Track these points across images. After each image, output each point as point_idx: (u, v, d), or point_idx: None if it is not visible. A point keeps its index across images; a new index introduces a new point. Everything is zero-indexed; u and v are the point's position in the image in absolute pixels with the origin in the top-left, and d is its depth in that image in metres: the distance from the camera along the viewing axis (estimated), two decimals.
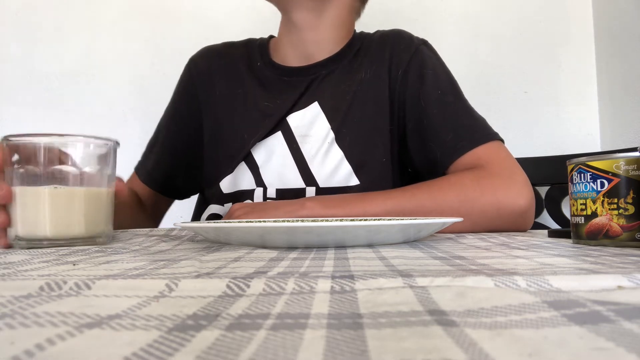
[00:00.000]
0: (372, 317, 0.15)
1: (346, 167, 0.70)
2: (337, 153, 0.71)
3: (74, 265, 0.28)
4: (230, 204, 0.74)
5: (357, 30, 0.83)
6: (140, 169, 0.82)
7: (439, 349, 0.12)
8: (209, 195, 0.79)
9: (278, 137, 0.73)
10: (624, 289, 0.19)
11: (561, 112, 1.27)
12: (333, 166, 0.70)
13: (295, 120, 0.73)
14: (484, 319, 0.14)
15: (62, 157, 0.41)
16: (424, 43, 0.77)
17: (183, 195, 0.88)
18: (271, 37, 0.84)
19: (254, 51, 0.81)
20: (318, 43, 0.76)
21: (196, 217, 0.84)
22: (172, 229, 0.59)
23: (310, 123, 0.73)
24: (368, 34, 0.81)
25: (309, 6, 0.73)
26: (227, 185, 0.74)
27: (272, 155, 0.72)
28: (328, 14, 0.75)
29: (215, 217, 0.76)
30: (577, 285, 0.19)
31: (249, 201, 0.72)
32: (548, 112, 1.27)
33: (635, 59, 1.11)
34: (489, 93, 1.28)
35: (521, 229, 0.62)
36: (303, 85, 0.75)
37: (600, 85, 1.26)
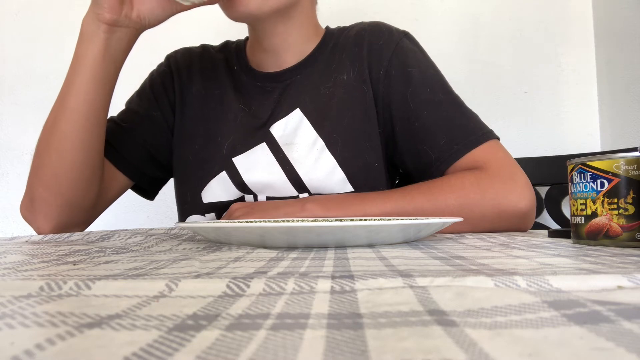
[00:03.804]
0: (372, 317, 0.15)
1: (339, 175, 0.68)
2: (329, 160, 0.68)
3: (74, 265, 0.28)
4: (213, 214, 0.72)
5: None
6: (117, 157, 0.73)
7: (439, 349, 0.12)
8: (189, 205, 0.75)
9: (263, 147, 0.70)
10: (624, 289, 0.19)
11: (561, 112, 1.27)
12: (325, 173, 0.68)
13: (278, 129, 0.71)
14: (484, 319, 0.14)
15: None
16: (405, 35, 0.73)
17: (153, 191, 0.82)
18: (247, 38, 0.81)
19: (231, 55, 0.79)
20: (288, 47, 0.73)
21: None
22: (172, 229, 0.59)
23: (294, 130, 0.70)
24: (344, 28, 0.77)
25: (276, 15, 0.68)
26: (208, 195, 0.71)
27: (256, 165, 0.69)
28: (294, 17, 0.72)
29: None
30: (577, 285, 0.19)
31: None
32: (548, 112, 1.27)
33: (636, 59, 1.12)
34: (489, 93, 1.28)
35: (521, 230, 0.61)
36: (277, 91, 0.73)
37: (600, 85, 1.26)
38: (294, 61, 0.74)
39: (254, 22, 0.70)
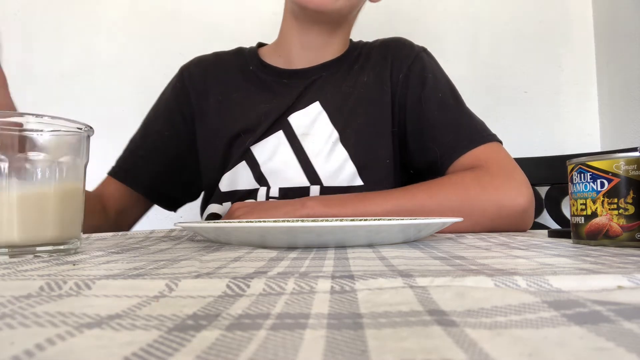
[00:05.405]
0: (372, 317, 0.15)
1: (351, 168, 0.71)
2: (342, 153, 0.71)
3: (74, 265, 0.28)
4: (229, 203, 0.73)
5: (356, 36, 0.84)
6: (120, 172, 0.79)
7: (439, 349, 0.12)
8: (209, 194, 0.79)
9: (279, 136, 0.73)
10: (624, 289, 0.19)
11: (561, 112, 1.27)
12: (337, 165, 0.71)
13: (296, 119, 0.74)
14: (484, 319, 0.14)
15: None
16: (424, 50, 0.79)
17: (170, 203, 0.86)
18: (260, 45, 0.85)
19: (245, 58, 0.82)
20: (326, 47, 0.78)
21: (201, 215, 0.85)
22: (172, 230, 0.59)
23: (312, 122, 0.73)
24: (367, 42, 0.83)
25: (339, 15, 0.75)
26: (226, 183, 0.74)
27: (274, 154, 0.72)
28: (345, 22, 0.78)
29: (214, 216, 0.76)
30: (577, 285, 0.19)
31: (250, 200, 0.72)
32: (548, 112, 1.27)
33: (636, 59, 1.11)
34: (489, 93, 1.28)
35: (521, 229, 0.62)
36: (302, 86, 0.76)
37: (600, 85, 1.26)
38: (323, 60, 0.78)
39: (322, 15, 0.73)
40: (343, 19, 0.76)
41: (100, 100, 1.32)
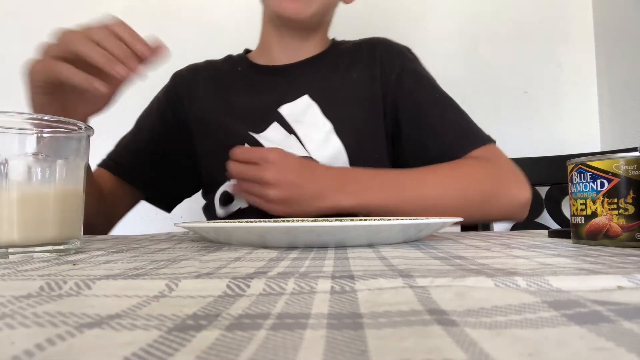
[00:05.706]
0: (372, 317, 0.15)
1: (343, 158, 0.72)
2: (337, 143, 0.72)
3: (74, 265, 0.28)
4: None
5: (356, 36, 0.86)
6: (110, 162, 0.79)
7: (439, 349, 0.12)
8: (211, 190, 0.78)
9: (275, 126, 0.74)
10: (624, 289, 0.19)
11: (561, 112, 1.27)
12: (331, 154, 0.72)
13: (286, 109, 0.75)
14: (484, 319, 0.14)
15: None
16: (409, 50, 0.82)
17: (161, 200, 0.86)
18: (247, 51, 0.88)
19: (234, 62, 0.85)
20: (308, 47, 0.81)
21: (204, 213, 0.84)
22: (173, 235, 0.59)
23: (303, 111, 0.75)
24: (350, 41, 0.85)
25: (315, 19, 0.77)
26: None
27: (274, 143, 0.73)
28: (324, 22, 0.80)
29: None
30: (577, 285, 0.19)
31: (287, 155, 0.63)
32: (548, 112, 1.27)
33: (636, 59, 1.12)
34: (489, 93, 1.28)
35: (519, 219, 0.69)
36: (286, 79, 0.79)
37: (600, 85, 1.26)
38: (304, 58, 0.81)
39: (296, 22, 0.76)
40: (317, 23, 0.79)
41: None
